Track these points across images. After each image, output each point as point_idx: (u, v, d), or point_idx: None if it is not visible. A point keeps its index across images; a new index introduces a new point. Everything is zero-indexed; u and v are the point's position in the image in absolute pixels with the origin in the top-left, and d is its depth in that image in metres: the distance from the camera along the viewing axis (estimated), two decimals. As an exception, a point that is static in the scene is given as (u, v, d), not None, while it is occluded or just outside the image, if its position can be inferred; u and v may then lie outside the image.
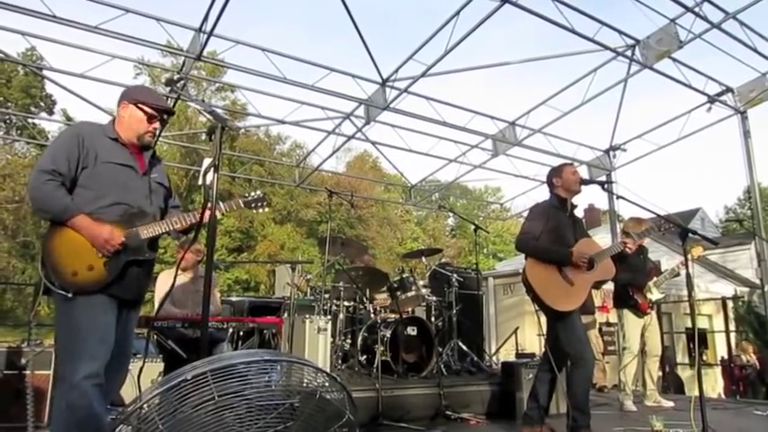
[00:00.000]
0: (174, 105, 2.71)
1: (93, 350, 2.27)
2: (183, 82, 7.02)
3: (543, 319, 3.88)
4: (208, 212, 2.18)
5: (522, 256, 3.96)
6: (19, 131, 23.44)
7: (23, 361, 3.81)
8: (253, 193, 2.92)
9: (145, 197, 2.60)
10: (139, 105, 2.60)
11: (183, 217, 2.61)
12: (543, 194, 4.18)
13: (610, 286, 6.26)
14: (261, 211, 2.96)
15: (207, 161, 2.08)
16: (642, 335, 5.69)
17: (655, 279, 5.72)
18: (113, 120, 2.66)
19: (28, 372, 3.76)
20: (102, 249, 2.37)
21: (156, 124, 2.66)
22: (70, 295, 2.28)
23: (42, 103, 26.80)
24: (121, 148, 2.58)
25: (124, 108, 2.62)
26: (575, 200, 4.09)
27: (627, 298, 5.62)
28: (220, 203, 2.65)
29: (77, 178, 2.44)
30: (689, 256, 3.79)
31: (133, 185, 2.56)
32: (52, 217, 2.38)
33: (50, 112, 26.09)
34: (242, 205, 2.84)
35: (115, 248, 2.39)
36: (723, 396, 10.86)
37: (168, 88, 6.79)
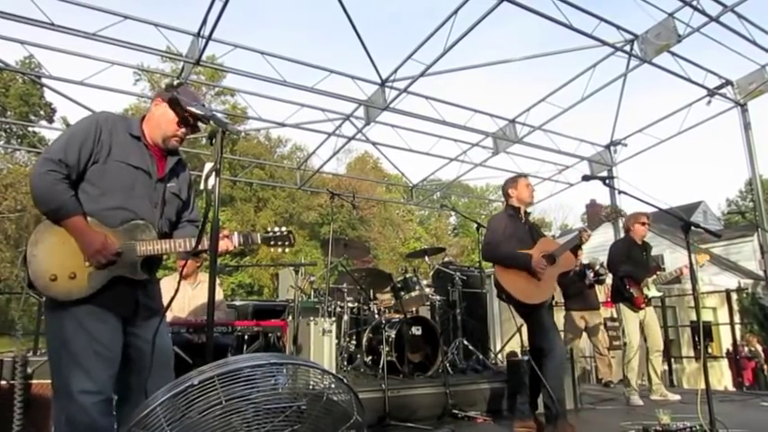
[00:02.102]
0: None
1: (87, 365, 2.10)
2: (182, 87, 7.01)
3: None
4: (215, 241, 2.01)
5: None
6: (19, 140, 23.49)
7: (28, 371, 3.80)
8: (276, 229, 2.57)
9: (153, 206, 2.37)
10: (173, 105, 2.37)
11: (189, 240, 2.36)
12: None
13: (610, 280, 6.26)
14: (282, 250, 2.56)
15: (208, 166, 2.05)
16: (642, 330, 5.68)
17: (655, 277, 5.70)
18: (143, 117, 2.46)
19: (15, 381, 3.70)
20: (93, 259, 2.17)
21: (186, 129, 2.44)
22: (43, 300, 2.13)
23: (42, 112, 26.82)
24: (141, 149, 2.38)
25: (157, 105, 2.42)
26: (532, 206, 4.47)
27: (623, 290, 5.61)
28: (235, 235, 2.46)
29: (86, 171, 2.24)
30: (693, 260, 3.79)
31: (142, 191, 2.34)
32: (47, 211, 2.18)
33: (50, 120, 26.14)
34: (259, 241, 2.53)
35: (107, 260, 2.18)
36: (732, 388, 10.86)
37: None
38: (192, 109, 2.32)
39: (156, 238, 2.34)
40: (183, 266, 3.39)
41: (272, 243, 2.55)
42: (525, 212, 4.38)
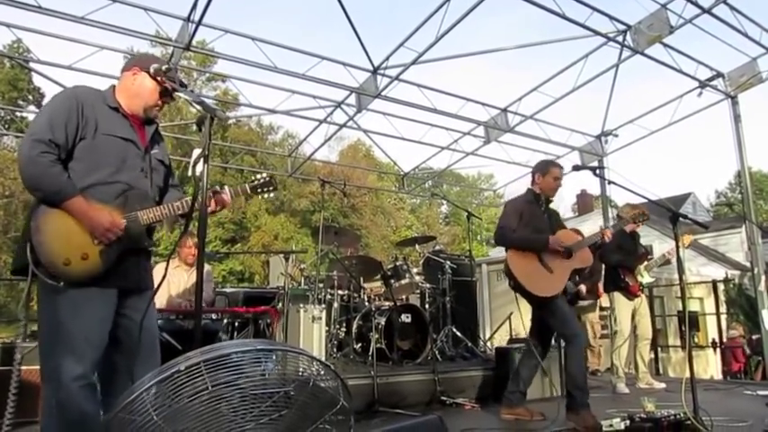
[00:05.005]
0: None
1: (78, 350, 2.10)
2: (171, 72, 6.94)
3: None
4: (207, 204, 2.07)
5: None
6: (6, 125, 23.23)
7: (17, 356, 3.79)
8: (259, 177, 2.65)
9: (144, 176, 2.38)
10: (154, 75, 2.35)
11: (185, 201, 2.38)
12: None
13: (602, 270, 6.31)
14: (267, 195, 2.68)
15: (196, 152, 2.04)
16: (633, 318, 5.74)
17: (646, 263, 5.76)
18: (113, 87, 2.42)
19: (14, 367, 3.69)
20: (102, 238, 2.16)
21: (166, 100, 2.43)
22: (61, 285, 2.08)
23: (30, 96, 26.53)
24: (122, 120, 2.35)
25: (135, 74, 2.38)
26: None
27: (618, 280, 5.66)
28: (226, 188, 2.51)
29: (73, 149, 2.20)
30: (680, 244, 3.83)
31: (133, 162, 2.33)
32: (44, 197, 2.13)
33: (39, 106, 25.83)
34: (248, 191, 2.60)
35: (117, 236, 2.19)
36: (721, 377, 11.00)
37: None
38: (181, 95, 2.32)
39: (155, 205, 2.36)
40: (174, 248, 3.37)
41: (259, 191, 2.63)
42: (547, 200, 4.22)
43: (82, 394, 2.09)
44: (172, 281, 4.93)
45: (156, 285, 2.35)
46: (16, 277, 2.22)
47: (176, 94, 2.34)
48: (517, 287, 3.96)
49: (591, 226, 13.67)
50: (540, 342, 4.17)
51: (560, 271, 3.89)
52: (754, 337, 11.68)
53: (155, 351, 2.36)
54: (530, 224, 4.00)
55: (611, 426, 3.36)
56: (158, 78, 2.35)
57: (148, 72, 2.36)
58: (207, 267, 5.70)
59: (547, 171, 4.16)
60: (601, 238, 4.10)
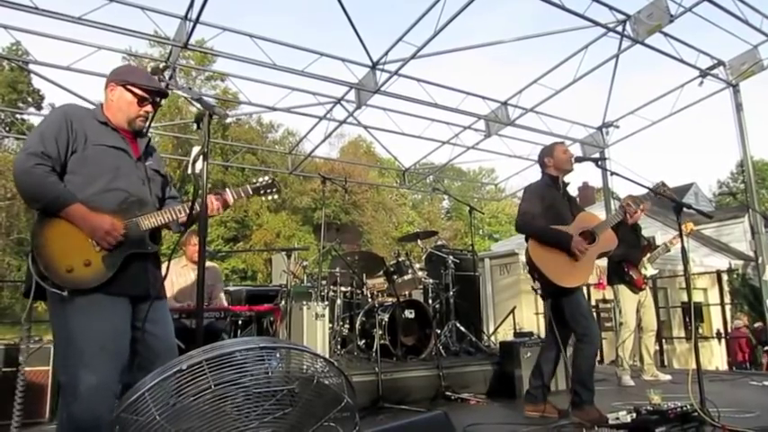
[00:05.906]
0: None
1: (91, 361, 2.06)
2: (169, 71, 6.95)
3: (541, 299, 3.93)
4: (208, 202, 2.08)
5: (518, 235, 3.99)
6: (7, 128, 23.25)
7: (21, 358, 3.79)
8: (261, 179, 2.67)
9: (142, 184, 2.38)
10: (128, 87, 2.37)
11: (186, 206, 2.37)
12: (537, 173, 4.19)
13: (604, 262, 6.29)
14: (271, 198, 2.70)
15: (196, 149, 2.03)
16: (638, 310, 5.72)
17: (649, 255, 5.74)
18: (101, 104, 2.44)
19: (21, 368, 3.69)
20: (103, 242, 2.16)
21: (148, 107, 2.42)
22: (66, 294, 2.06)
23: (30, 99, 26.54)
24: (113, 132, 2.37)
25: (112, 90, 2.40)
26: (567, 177, 4.11)
27: (622, 274, 5.64)
28: (228, 190, 2.54)
29: (66, 163, 2.23)
30: (683, 235, 3.80)
31: (127, 170, 2.34)
32: (43, 206, 2.14)
33: (39, 107, 25.85)
34: (251, 193, 2.63)
35: (117, 240, 2.19)
36: (726, 368, 11.01)
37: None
38: (179, 92, 2.32)
39: (155, 211, 2.37)
40: (176, 246, 3.35)
41: (261, 192, 2.67)
42: (563, 182, 4.06)
43: (103, 406, 2.03)
44: (177, 281, 4.93)
45: (167, 284, 2.34)
46: (20, 280, 2.24)
47: (176, 92, 2.34)
48: (540, 278, 3.76)
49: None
50: (560, 333, 3.92)
51: (586, 258, 3.71)
52: (756, 325, 11.70)
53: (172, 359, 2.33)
54: (551, 208, 3.83)
55: (617, 419, 3.34)
56: (132, 90, 2.38)
57: (124, 85, 2.38)
58: (215, 266, 5.69)
59: (553, 149, 4.04)
60: (624, 214, 3.96)
